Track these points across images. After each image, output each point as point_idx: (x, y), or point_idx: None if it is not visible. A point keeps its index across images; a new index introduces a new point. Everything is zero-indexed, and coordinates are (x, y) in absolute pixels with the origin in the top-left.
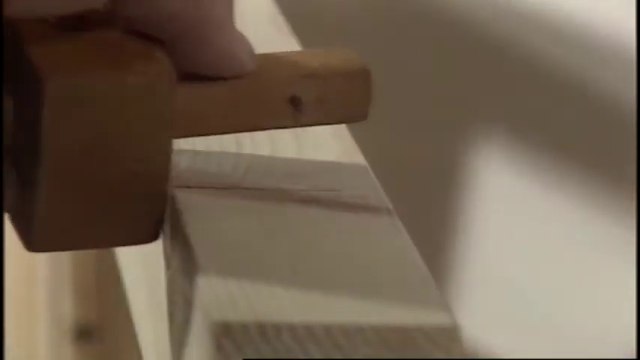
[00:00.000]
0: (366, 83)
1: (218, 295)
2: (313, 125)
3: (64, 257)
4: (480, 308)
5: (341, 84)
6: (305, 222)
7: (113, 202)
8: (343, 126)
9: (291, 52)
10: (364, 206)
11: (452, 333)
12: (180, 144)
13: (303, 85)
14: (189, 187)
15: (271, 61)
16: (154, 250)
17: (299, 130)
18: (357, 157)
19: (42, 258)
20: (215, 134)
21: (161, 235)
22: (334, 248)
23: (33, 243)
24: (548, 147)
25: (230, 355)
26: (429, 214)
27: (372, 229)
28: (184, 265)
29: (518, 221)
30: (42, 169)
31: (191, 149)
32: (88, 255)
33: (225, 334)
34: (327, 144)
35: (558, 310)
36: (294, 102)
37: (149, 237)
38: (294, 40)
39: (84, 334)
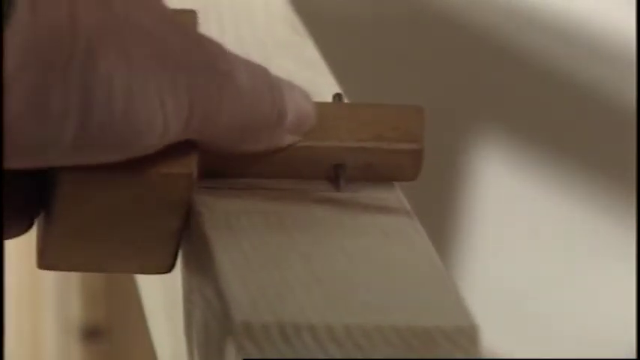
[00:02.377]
0: (416, 158)
1: (238, 296)
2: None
3: None
4: (479, 308)
5: (388, 159)
6: (324, 222)
7: (125, 240)
8: None
9: (344, 108)
10: (383, 207)
11: (471, 334)
12: None
13: (348, 155)
14: (207, 187)
15: (320, 127)
16: None
17: None
18: None
19: None
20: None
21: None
22: (354, 249)
23: (38, 261)
24: (548, 147)
25: (250, 355)
26: (429, 213)
27: (391, 230)
28: (202, 265)
29: (518, 221)
30: (54, 215)
31: None
32: None
33: (245, 334)
34: None
35: (558, 310)
36: (338, 169)
37: (163, 269)
38: (310, 42)
39: (92, 333)
